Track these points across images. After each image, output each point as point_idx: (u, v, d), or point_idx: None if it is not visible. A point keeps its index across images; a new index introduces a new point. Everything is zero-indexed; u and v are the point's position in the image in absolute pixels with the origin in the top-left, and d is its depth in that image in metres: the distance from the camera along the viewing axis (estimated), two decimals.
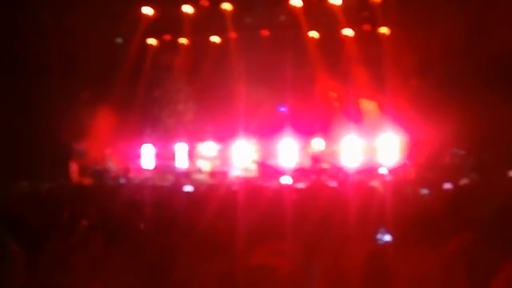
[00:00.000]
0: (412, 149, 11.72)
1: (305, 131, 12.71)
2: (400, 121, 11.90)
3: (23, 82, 10.80)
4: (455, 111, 10.56)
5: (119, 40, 14.01)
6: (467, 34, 10.77)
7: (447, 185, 9.36)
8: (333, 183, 10.48)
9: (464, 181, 9.69)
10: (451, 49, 11.01)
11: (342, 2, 12.85)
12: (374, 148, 12.31)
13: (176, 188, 10.26)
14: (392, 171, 11.59)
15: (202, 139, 12.95)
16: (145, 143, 13.04)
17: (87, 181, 11.39)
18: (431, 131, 11.12)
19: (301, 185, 10.23)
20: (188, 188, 9.86)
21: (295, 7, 13.05)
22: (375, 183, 10.36)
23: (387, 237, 4.70)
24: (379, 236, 4.79)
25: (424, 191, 8.73)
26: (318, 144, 12.67)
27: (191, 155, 12.90)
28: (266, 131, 12.71)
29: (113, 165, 12.33)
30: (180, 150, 12.94)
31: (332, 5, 12.88)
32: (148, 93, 13.88)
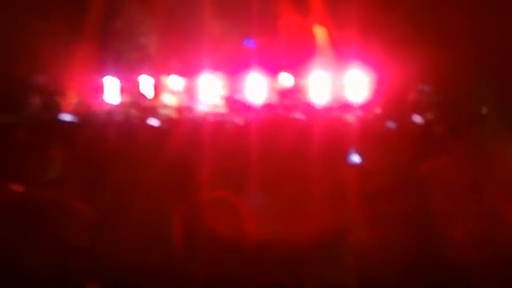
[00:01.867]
0: (380, 85, 11.98)
1: (273, 66, 12.82)
2: (368, 56, 12.10)
3: None
4: (421, 47, 10.79)
5: None
6: None
7: (415, 118, 9.73)
8: (301, 117, 10.72)
9: (428, 116, 10.01)
10: None
11: None
12: (343, 83, 12.53)
13: (141, 122, 10.37)
14: (361, 105, 11.86)
15: (167, 72, 12.97)
16: (108, 76, 13.00)
17: (49, 115, 11.39)
18: (397, 67, 11.35)
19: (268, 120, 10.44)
20: (153, 122, 9.97)
21: None
22: (346, 116, 10.66)
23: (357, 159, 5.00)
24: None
25: (391, 124, 9.06)
26: (286, 79, 12.83)
27: (156, 89, 12.94)
28: (233, 66, 12.78)
29: (75, 98, 12.32)
30: (145, 83, 12.97)
31: None
32: (109, 24, 13.72)
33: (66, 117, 11.15)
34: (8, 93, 10.68)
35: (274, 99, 12.55)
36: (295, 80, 12.84)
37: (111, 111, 12.07)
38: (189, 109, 12.15)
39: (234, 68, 12.78)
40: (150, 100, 12.75)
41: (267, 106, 12.08)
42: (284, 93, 12.61)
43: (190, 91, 12.78)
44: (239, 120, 10.56)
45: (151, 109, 12.14)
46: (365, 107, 11.70)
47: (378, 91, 11.96)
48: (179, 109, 12.17)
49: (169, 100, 12.68)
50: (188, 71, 12.83)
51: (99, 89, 12.85)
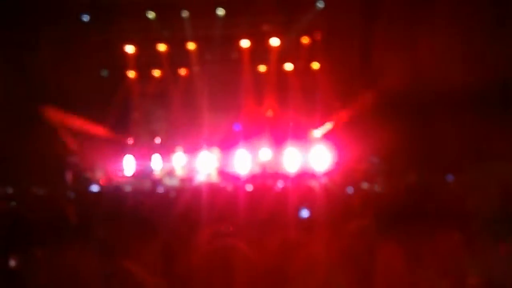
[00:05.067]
0: (339, 157, 12.10)
1: (255, 144, 12.96)
2: (329, 135, 12.30)
3: (27, 108, 10.78)
4: (372, 128, 10.98)
5: (104, 72, 14.05)
6: (372, 69, 11.28)
7: (364, 185, 9.75)
8: (279, 184, 10.72)
9: (376, 182, 10.06)
10: (363, 80, 11.49)
11: (280, 43, 13.32)
12: (309, 157, 12.65)
13: (151, 190, 10.35)
14: (324, 174, 11.92)
15: (173, 151, 13.05)
16: (127, 155, 13.06)
17: (80, 186, 11.35)
18: (353, 143, 11.51)
19: (252, 186, 10.44)
20: (161, 190, 9.96)
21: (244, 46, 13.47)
22: (313, 183, 10.65)
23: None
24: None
25: (350, 189, 9.05)
26: (265, 154, 12.94)
27: (165, 164, 12.97)
28: (225, 145, 12.91)
29: (100, 173, 12.32)
30: (155, 160, 13.03)
31: (273, 46, 13.36)
32: (128, 115, 13.93)
33: (95, 188, 11.14)
34: (46, 170, 10.66)
35: (257, 169, 12.62)
36: (272, 155, 12.94)
37: (128, 182, 12.05)
38: (190, 179, 12.16)
39: (225, 146, 12.90)
40: (159, 172, 12.77)
41: (251, 176, 12.11)
42: (264, 165, 12.69)
43: (191, 165, 12.83)
44: (229, 187, 10.55)
45: (160, 180, 12.15)
46: (327, 175, 11.77)
47: (337, 163, 12.06)
48: (182, 179, 12.18)
49: (174, 172, 12.70)
50: (190, 149, 12.92)
51: (119, 165, 12.87)
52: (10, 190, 9.01)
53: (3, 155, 9.92)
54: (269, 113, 13.46)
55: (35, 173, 10.24)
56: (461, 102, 9.01)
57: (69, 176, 11.88)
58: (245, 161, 12.65)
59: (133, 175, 12.74)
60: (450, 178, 9.21)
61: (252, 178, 11.75)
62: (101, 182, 11.94)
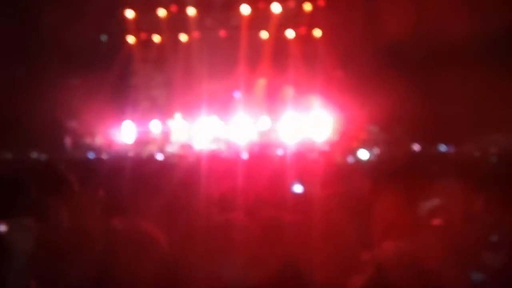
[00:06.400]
0: (339, 126, 12.05)
1: (254, 112, 12.89)
2: (329, 104, 12.22)
3: (26, 72, 10.68)
4: (371, 96, 10.90)
5: (104, 37, 13.85)
6: (374, 37, 11.11)
7: (363, 154, 9.75)
8: (278, 153, 10.69)
9: (376, 151, 10.05)
10: (365, 48, 11.33)
11: (282, 10, 13.11)
12: (309, 126, 12.59)
13: (151, 156, 10.31)
14: (324, 143, 11.87)
15: (172, 118, 12.98)
16: (126, 121, 12.98)
17: (78, 153, 11.33)
18: (352, 112, 11.45)
19: (249, 155, 10.41)
20: (160, 157, 9.93)
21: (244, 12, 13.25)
22: (313, 154, 10.61)
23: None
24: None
25: (351, 158, 9.03)
26: (264, 122, 12.87)
27: (164, 130, 12.92)
28: (224, 112, 12.84)
29: (99, 139, 12.27)
30: (154, 127, 12.96)
31: (274, 12, 13.16)
32: (128, 80, 13.80)
33: (92, 154, 11.11)
34: (45, 135, 10.62)
35: (256, 138, 12.57)
36: (272, 123, 12.87)
37: (127, 148, 12.01)
38: (190, 146, 12.13)
39: (224, 114, 12.83)
40: (158, 139, 12.71)
41: (250, 144, 12.07)
42: (264, 133, 12.64)
43: (190, 132, 12.78)
44: (227, 154, 10.52)
45: (159, 147, 12.11)
46: (326, 144, 11.73)
47: (338, 131, 12.01)
48: (182, 146, 12.14)
49: (173, 139, 12.64)
50: (189, 116, 12.86)
51: (119, 131, 12.80)
52: (9, 155, 8.99)
53: (2, 119, 9.87)
54: (269, 81, 13.33)
55: (34, 138, 10.20)
56: (468, 64, 8.79)
57: (68, 142, 11.85)
58: (244, 129, 12.59)
59: (133, 141, 12.68)
60: (447, 148, 9.17)
61: (251, 147, 11.72)
62: (100, 148, 11.90)
